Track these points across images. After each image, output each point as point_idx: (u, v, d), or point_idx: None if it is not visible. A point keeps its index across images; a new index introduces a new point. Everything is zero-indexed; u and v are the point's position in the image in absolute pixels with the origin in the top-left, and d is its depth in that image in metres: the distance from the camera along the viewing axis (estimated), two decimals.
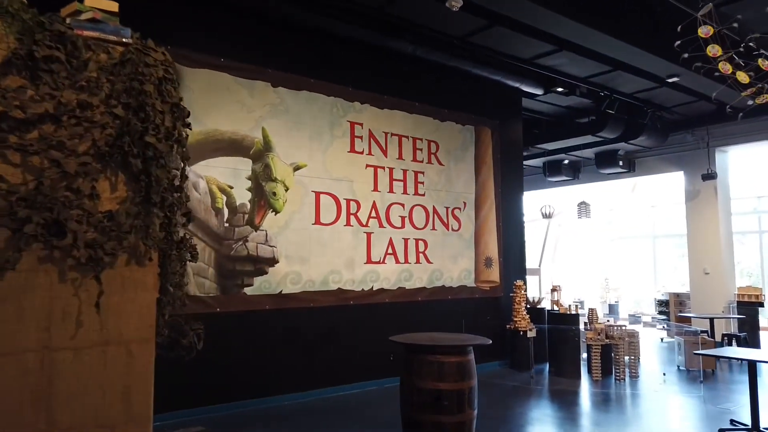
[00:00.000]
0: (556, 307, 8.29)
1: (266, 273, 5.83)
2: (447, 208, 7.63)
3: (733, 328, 9.64)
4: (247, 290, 5.70)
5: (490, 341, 4.73)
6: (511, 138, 8.56)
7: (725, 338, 8.99)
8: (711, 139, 10.19)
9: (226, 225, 5.61)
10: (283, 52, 6.17)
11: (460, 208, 7.78)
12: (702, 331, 8.46)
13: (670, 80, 7.79)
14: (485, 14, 5.87)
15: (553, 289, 8.46)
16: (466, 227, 7.84)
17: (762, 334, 10.06)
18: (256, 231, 5.80)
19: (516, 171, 8.67)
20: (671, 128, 10.37)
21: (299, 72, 6.26)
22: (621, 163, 11.26)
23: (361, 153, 6.78)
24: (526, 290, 8.06)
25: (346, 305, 6.44)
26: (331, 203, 6.44)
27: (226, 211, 5.63)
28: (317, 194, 6.32)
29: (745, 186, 12.45)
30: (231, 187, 5.68)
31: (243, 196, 5.75)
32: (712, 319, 8.95)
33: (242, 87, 5.85)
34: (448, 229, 7.62)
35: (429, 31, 6.63)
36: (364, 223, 6.72)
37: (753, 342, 9.40)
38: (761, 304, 10.07)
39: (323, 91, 6.46)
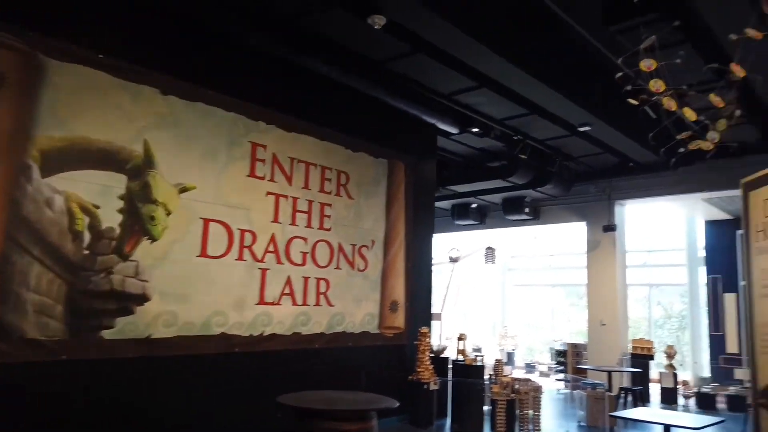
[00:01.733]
0: (461, 357, 7.84)
1: (132, 313, 4.80)
2: (354, 245, 6.99)
3: (626, 381, 9.70)
4: (106, 333, 4.63)
5: (397, 403, 4.09)
6: (426, 176, 8.17)
7: (622, 392, 8.98)
8: (612, 191, 10.46)
9: (86, 252, 4.57)
10: (178, 55, 5.33)
11: (367, 247, 7.17)
12: (599, 384, 8.37)
13: (581, 129, 7.79)
14: (409, 37, 5.43)
15: (460, 338, 8.02)
16: (374, 267, 7.23)
17: (651, 386, 10.26)
18: (124, 261, 4.79)
19: (428, 211, 8.26)
20: (576, 179, 10.55)
21: (196, 80, 5.43)
22: (527, 210, 11.29)
23: (262, 178, 6.00)
24: (431, 338, 7.54)
25: (231, 353, 5.52)
26: (222, 233, 5.57)
27: (87, 236, 4.59)
28: (206, 222, 5.43)
29: (638, 240, 12.99)
30: (97, 207, 4.67)
31: (112, 219, 4.75)
32: (609, 372, 8.92)
33: (124, 90, 4.92)
34: (353, 269, 6.96)
35: (347, 52, 6.11)
36: (260, 258, 5.89)
37: (644, 395, 9.50)
38: (652, 357, 10.30)
39: (223, 105, 5.66)
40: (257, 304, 5.81)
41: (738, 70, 2.86)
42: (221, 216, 5.56)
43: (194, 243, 5.32)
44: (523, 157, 8.85)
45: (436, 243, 10.25)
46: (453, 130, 7.92)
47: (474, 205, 12.24)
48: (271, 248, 6.01)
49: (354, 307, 6.94)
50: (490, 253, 12.63)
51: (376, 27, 4.83)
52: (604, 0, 4.91)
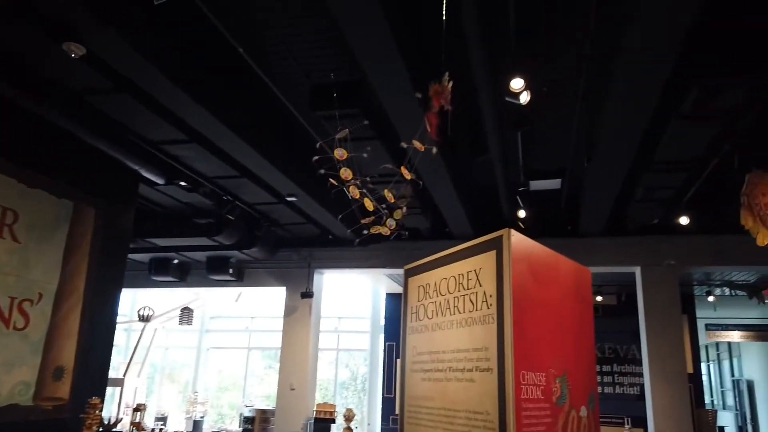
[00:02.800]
0: (135, 430, 7.04)
1: None
2: (13, 298, 5.81)
3: None
4: None
5: None
6: (120, 225, 7.39)
7: None
8: (313, 260, 11.08)
9: None
10: None
11: (32, 301, 6.03)
12: None
13: (288, 199, 8.15)
14: (111, 74, 4.98)
15: (137, 409, 7.22)
16: (37, 326, 6.09)
17: None
18: None
19: (118, 264, 7.43)
20: (281, 244, 10.90)
21: None
22: (231, 271, 11.14)
23: None
24: (101, 410, 6.59)
25: None
26: None
27: None
28: None
29: (331, 306, 13.92)
30: None
31: None
32: None
33: None
34: (8, 328, 5.74)
35: (37, 76, 5.28)
36: None
37: None
38: (333, 420, 10.90)
39: None
40: None
41: (405, 173, 3.36)
42: None
43: None
44: (231, 217, 8.79)
45: (127, 299, 9.25)
46: (158, 180, 7.44)
47: (175, 261, 11.56)
48: None
49: (3, 375, 5.67)
50: (186, 313, 11.96)
51: (74, 56, 4.30)
52: (312, 85, 5.33)
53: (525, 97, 4.66)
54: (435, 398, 2.74)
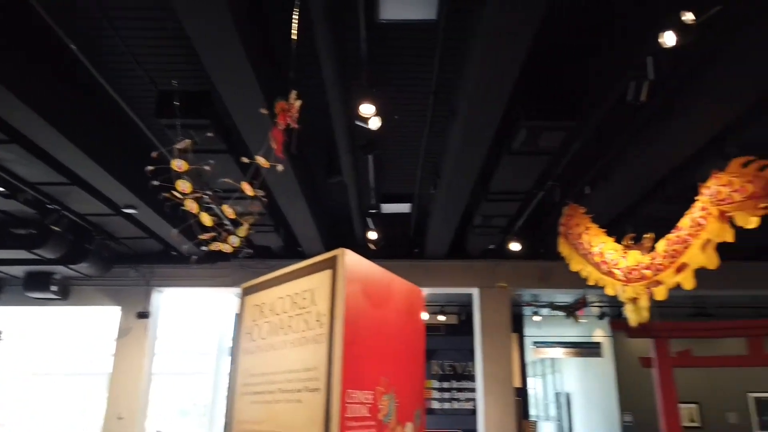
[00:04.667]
0: None
1: None
2: None
3: None
4: None
5: None
6: None
7: None
8: (153, 277, 10.33)
9: None
10: None
11: None
12: None
13: (126, 210, 7.55)
14: None
15: None
16: None
17: None
18: None
19: None
20: (116, 260, 10.03)
21: None
22: (54, 288, 9.96)
23: None
24: None
25: None
26: None
27: None
28: None
29: (172, 327, 13.04)
30: None
31: None
32: None
33: None
34: None
35: None
36: None
37: None
38: None
39: None
40: None
41: (247, 189, 3.28)
42: None
43: None
44: (56, 228, 7.90)
45: None
46: None
47: None
48: None
49: None
50: None
51: None
52: (158, 91, 5.04)
53: (375, 123, 4.82)
54: (263, 422, 2.67)
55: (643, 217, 7.96)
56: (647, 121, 5.77)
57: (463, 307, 12.64)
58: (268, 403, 2.72)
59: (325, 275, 2.67)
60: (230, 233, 4.09)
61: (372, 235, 8.30)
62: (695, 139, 5.66)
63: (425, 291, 10.92)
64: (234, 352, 3.15)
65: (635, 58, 4.27)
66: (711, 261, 4.32)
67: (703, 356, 7.86)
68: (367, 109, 4.58)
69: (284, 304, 2.88)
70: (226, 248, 4.08)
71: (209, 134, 3.93)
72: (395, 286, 3.09)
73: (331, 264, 2.65)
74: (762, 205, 3.92)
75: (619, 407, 13.28)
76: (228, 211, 3.46)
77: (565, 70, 5.30)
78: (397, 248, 10.26)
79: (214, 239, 3.98)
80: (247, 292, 3.22)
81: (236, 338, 3.14)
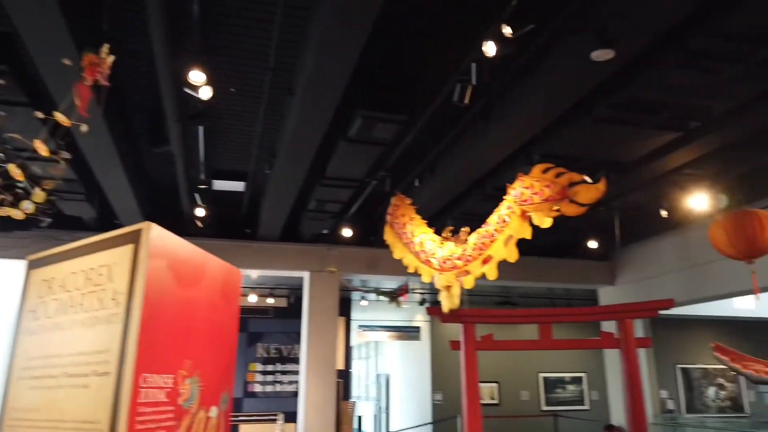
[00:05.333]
0: None
1: None
2: None
3: None
4: None
5: None
6: None
7: None
8: None
9: None
10: None
11: None
12: None
13: None
14: None
15: None
16: None
17: None
18: None
19: None
20: None
21: None
22: None
23: None
24: None
25: None
26: None
27: None
28: None
29: None
30: None
31: None
32: None
33: None
34: None
35: None
36: None
37: None
38: None
39: None
40: None
41: (41, 148, 2.89)
42: None
43: None
44: None
45: None
46: None
47: None
48: None
49: None
50: None
51: None
52: None
53: (206, 92, 4.56)
54: (40, 409, 2.39)
55: (463, 212, 8.64)
56: (471, 123, 6.24)
57: (293, 291, 12.64)
58: (49, 388, 2.44)
59: (125, 250, 2.46)
60: (23, 198, 3.58)
61: (200, 212, 7.90)
62: (509, 143, 6.25)
63: (255, 273, 10.72)
64: (14, 333, 2.79)
65: (462, 63, 4.57)
66: (512, 255, 4.79)
67: (503, 340, 8.77)
68: (196, 76, 4.30)
69: (77, 280, 2.61)
70: (17, 214, 3.56)
71: (1, 81, 3.38)
72: (210, 266, 2.96)
73: (134, 238, 2.45)
74: (555, 207, 4.42)
75: (432, 387, 14.35)
76: (15, 171, 3.01)
77: (404, 67, 5.51)
78: (228, 228, 9.89)
79: (1, 203, 3.46)
80: (34, 265, 2.86)
81: (18, 317, 2.78)
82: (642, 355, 11.30)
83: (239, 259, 9.71)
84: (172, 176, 7.57)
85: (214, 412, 2.89)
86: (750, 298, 12.08)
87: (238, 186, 8.48)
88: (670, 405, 14.99)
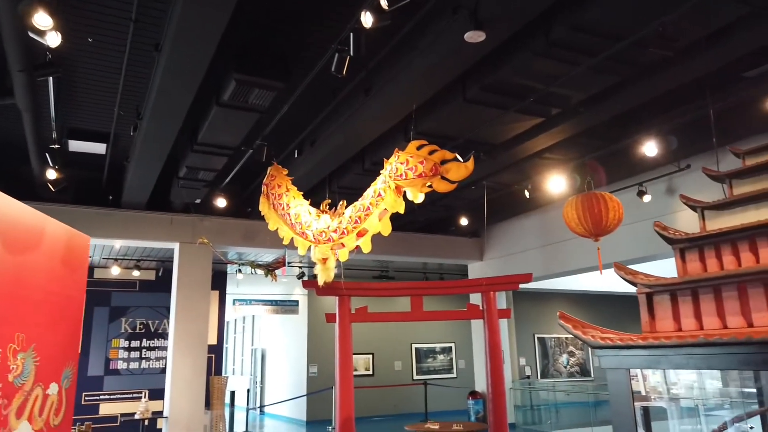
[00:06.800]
0: None
1: None
2: None
3: None
4: None
5: None
6: None
7: None
8: None
9: None
10: None
11: None
12: None
13: None
14: None
15: None
16: None
17: None
18: None
19: None
20: None
21: None
22: None
23: None
24: None
25: None
26: None
27: None
28: None
29: None
30: None
31: None
32: None
33: None
34: None
35: None
36: None
37: None
38: None
39: None
40: None
41: None
42: None
43: None
44: None
45: None
46: None
47: None
48: None
49: None
50: None
51: None
52: None
53: (53, 39, 4.07)
54: None
55: (342, 187, 8.66)
56: (350, 96, 6.22)
57: (162, 262, 11.97)
58: None
59: None
60: None
61: (52, 174, 7.15)
62: (387, 118, 6.32)
63: (119, 243, 9.99)
64: None
65: (341, 33, 4.50)
66: (386, 228, 4.86)
67: (377, 313, 8.99)
68: (42, 19, 3.82)
69: None
70: None
71: None
72: (51, 232, 2.68)
73: None
74: (428, 183, 4.54)
75: (308, 360, 14.42)
76: None
77: (283, 33, 5.32)
78: (88, 193, 9.09)
79: None
80: None
81: None
82: (504, 325, 12.19)
83: (100, 228, 9.00)
84: (20, 134, 6.78)
85: (53, 389, 2.66)
86: (595, 274, 13.48)
87: (98, 148, 7.79)
88: (528, 371, 16.40)
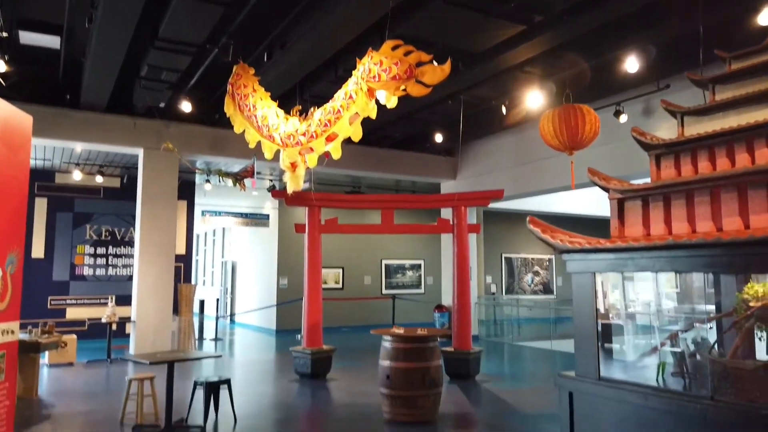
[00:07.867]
0: None
1: None
2: None
3: None
4: None
5: None
6: None
7: None
8: None
9: None
10: None
11: None
12: None
13: None
14: None
15: None
16: None
17: None
18: None
19: None
20: None
21: None
22: None
23: None
24: None
25: None
26: None
27: None
28: None
29: None
30: None
31: None
32: None
33: None
34: None
35: None
36: None
37: None
38: None
39: None
40: None
41: None
42: None
43: None
44: None
45: None
46: None
47: None
48: None
49: None
50: None
51: None
52: None
53: None
54: None
55: (313, 95, 8.31)
56: None
57: (127, 169, 11.61)
58: None
59: None
60: None
61: (1, 66, 6.65)
62: (361, 20, 5.95)
63: (79, 146, 9.59)
64: None
65: None
66: (356, 133, 4.67)
67: (347, 224, 8.96)
68: None
69: None
70: None
71: None
72: None
73: None
74: (402, 86, 4.31)
75: (278, 272, 14.52)
76: None
77: None
78: (44, 92, 8.57)
79: None
80: None
81: None
82: (473, 243, 12.36)
83: (58, 130, 8.58)
84: None
85: None
86: (568, 196, 13.60)
87: (52, 41, 7.24)
88: (494, 288, 16.91)
